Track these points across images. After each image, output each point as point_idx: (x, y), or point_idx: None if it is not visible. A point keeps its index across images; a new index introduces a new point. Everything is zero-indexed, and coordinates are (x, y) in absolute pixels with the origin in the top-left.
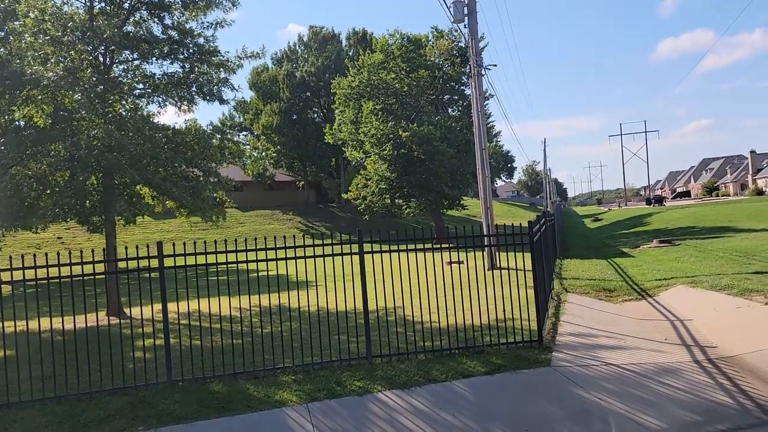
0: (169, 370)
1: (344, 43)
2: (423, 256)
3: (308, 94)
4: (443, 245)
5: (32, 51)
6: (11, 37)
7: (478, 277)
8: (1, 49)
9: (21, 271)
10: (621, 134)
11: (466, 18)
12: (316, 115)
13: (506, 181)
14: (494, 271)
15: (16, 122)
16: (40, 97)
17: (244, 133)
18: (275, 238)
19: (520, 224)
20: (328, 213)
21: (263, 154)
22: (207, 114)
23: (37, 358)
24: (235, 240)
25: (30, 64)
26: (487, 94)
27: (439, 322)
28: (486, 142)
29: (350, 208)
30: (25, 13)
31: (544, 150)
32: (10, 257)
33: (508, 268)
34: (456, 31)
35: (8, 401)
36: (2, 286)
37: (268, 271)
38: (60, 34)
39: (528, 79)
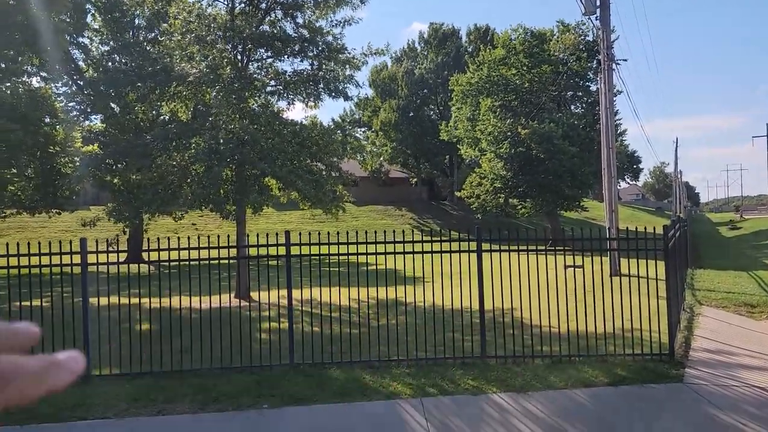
0: (291, 354)
1: (464, 39)
2: (544, 257)
3: (426, 91)
4: (563, 248)
5: (179, 50)
6: (161, 38)
7: (603, 282)
8: (153, 49)
9: (167, 252)
10: (767, 135)
11: (598, 10)
12: (432, 113)
13: (630, 183)
14: (619, 277)
15: (163, 116)
16: (184, 93)
17: (363, 129)
18: (393, 232)
19: (645, 228)
20: (440, 210)
21: (380, 150)
22: (327, 110)
23: (177, 333)
24: (356, 233)
25: (177, 62)
26: (616, 89)
27: (559, 327)
28: (613, 141)
29: (462, 207)
30: (174, 14)
31: (676, 150)
32: (154, 240)
33: (632, 275)
34: (584, 24)
35: (151, 370)
36: (148, 265)
37: (386, 264)
38: (204, 33)
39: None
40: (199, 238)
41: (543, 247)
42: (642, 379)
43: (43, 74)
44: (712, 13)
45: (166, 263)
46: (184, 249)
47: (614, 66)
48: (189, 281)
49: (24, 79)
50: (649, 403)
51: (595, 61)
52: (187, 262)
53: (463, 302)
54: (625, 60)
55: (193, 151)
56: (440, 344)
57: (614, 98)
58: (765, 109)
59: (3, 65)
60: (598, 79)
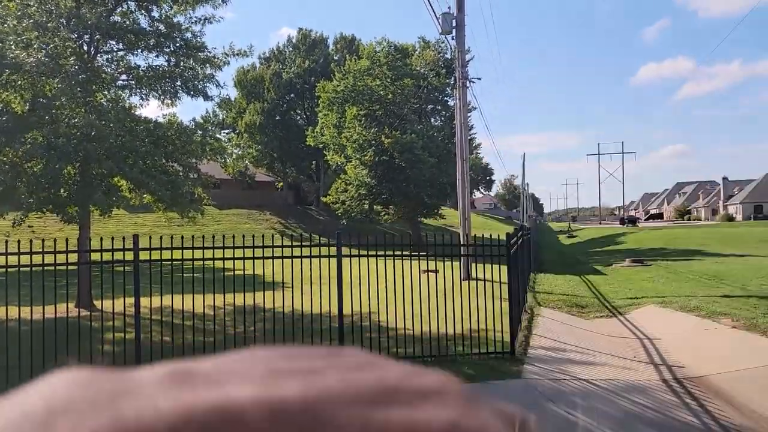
0: (137, 365)
1: (331, 47)
2: (401, 262)
3: (293, 95)
4: (420, 253)
5: (15, 35)
6: None
7: (454, 286)
8: None
9: None
10: (599, 153)
11: (454, 30)
12: (299, 117)
13: (484, 193)
14: (469, 281)
15: None
16: (20, 82)
17: (226, 131)
18: (253, 237)
19: (498, 236)
20: (305, 215)
21: (245, 152)
22: (189, 110)
23: (2, 348)
24: (213, 237)
25: (11, 49)
26: (470, 106)
27: (413, 330)
28: (467, 153)
29: (328, 212)
30: None
31: (523, 164)
32: None
33: (483, 279)
34: (443, 42)
35: None
36: None
37: (244, 270)
38: (45, 19)
39: (510, 94)
40: (31, 242)
41: (400, 252)
42: (486, 376)
43: None
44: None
45: None
46: (13, 254)
47: (469, 84)
48: (18, 289)
49: None
50: (490, 399)
51: (452, 78)
52: (16, 268)
53: (323, 307)
54: (479, 79)
55: (28, 146)
56: None
57: (469, 114)
58: (599, 130)
59: None
60: (455, 95)
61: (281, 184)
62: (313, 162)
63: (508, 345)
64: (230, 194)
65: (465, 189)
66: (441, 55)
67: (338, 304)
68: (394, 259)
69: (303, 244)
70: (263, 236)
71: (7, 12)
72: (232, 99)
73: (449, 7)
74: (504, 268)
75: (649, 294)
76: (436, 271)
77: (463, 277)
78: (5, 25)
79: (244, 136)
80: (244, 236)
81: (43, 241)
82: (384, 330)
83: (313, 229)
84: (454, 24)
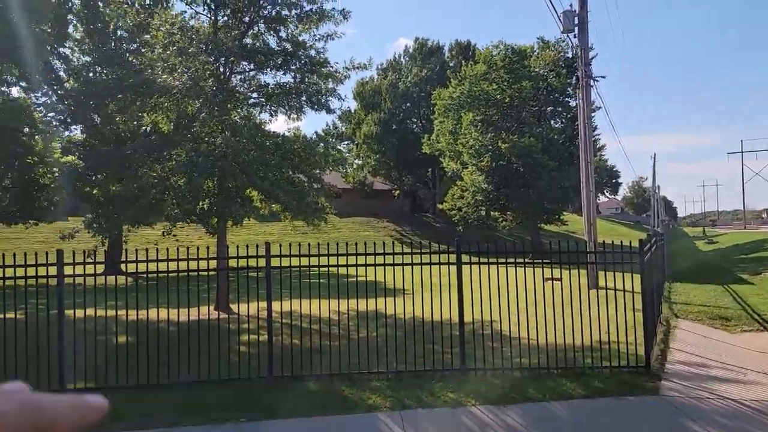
0: (270, 366)
1: (447, 54)
2: (523, 270)
3: (409, 104)
4: (543, 260)
5: (162, 62)
6: (143, 49)
7: (581, 295)
8: (135, 60)
9: (145, 264)
10: (742, 151)
11: (576, 28)
12: (415, 126)
13: (610, 197)
14: (597, 290)
15: (144, 128)
16: (166, 104)
17: (346, 141)
18: (374, 244)
19: (630, 243)
20: (421, 222)
21: (363, 162)
22: (311, 122)
23: (154, 346)
24: (337, 245)
25: (159, 74)
26: (594, 105)
27: (537, 340)
28: (591, 155)
29: (444, 219)
30: (157, 26)
31: (653, 166)
32: (132, 252)
33: (609, 288)
34: (563, 41)
35: (127, 383)
36: (126, 277)
37: (367, 276)
38: (187, 46)
39: (638, 90)
40: (178, 249)
41: (522, 260)
42: (618, 392)
43: (23, 84)
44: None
45: (145, 275)
46: (163, 261)
47: (592, 83)
48: (167, 293)
49: (3, 89)
50: (625, 416)
51: (574, 78)
52: (165, 274)
53: (444, 314)
54: (603, 77)
55: (173, 163)
56: (420, 356)
57: (592, 114)
58: (742, 126)
59: None
60: (577, 95)
61: (398, 192)
62: (429, 169)
63: (643, 359)
64: (349, 202)
65: (590, 193)
66: (561, 54)
67: (459, 311)
68: (515, 266)
69: (423, 251)
70: (384, 244)
71: (155, 41)
72: (352, 110)
73: (570, 5)
74: (635, 277)
75: None
76: (560, 279)
77: (589, 286)
78: (154, 53)
79: (362, 147)
80: (366, 244)
81: (187, 249)
82: (506, 339)
83: (429, 236)
84: (576, 21)
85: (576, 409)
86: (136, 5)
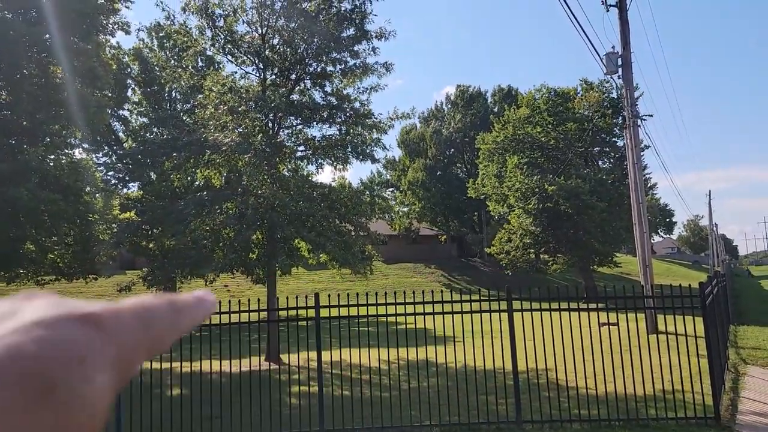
0: (321, 419)
1: (489, 100)
2: (577, 315)
3: (453, 150)
4: (597, 305)
5: (213, 120)
6: (197, 109)
7: (640, 340)
8: (189, 119)
9: None
10: None
11: (619, 69)
12: (459, 171)
13: (664, 236)
14: (657, 335)
15: (197, 183)
16: (218, 160)
17: (391, 189)
18: (423, 292)
19: (690, 285)
20: (469, 267)
21: (410, 209)
22: (356, 171)
23: (207, 398)
24: (386, 293)
25: (211, 132)
26: (643, 144)
27: (596, 389)
28: (643, 195)
29: (492, 263)
30: (209, 87)
31: (709, 203)
32: None
33: (670, 333)
34: (607, 82)
35: None
36: None
37: (416, 324)
38: (237, 104)
39: (688, 126)
40: (230, 301)
41: (576, 305)
42: None
43: (85, 146)
44: (736, 65)
45: (199, 327)
46: (216, 313)
47: (640, 122)
48: (219, 344)
49: (67, 151)
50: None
51: (620, 117)
52: (218, 326)
53: (496, 363)
54: (651, 116)
55: (224, 215)
56: (473, 408)
57: (642, 153)
58: None
59: (49, 140)
60: (625, 135)
61: (444, 237)
62: (475, 213)
63: (712, 409)
64: (396, 249)
65: (644, 234)
66: (606, 95)
67: (512, 359)
68: (569, 312)
69: (472, 298)
70: (432, 292)
71: (207, 101)
72: (396, 159)
73: (613, 47)
74: (694, 320)
75: None
76: (617, 324)
77: (648, 331)
78: (206, 113)
79: (407, 193)
80: (414, 291)
81: (239, 300)
82: (563, 389)
83: (478, 281)
84: (619, 63)
85: None
86: (190, 68)
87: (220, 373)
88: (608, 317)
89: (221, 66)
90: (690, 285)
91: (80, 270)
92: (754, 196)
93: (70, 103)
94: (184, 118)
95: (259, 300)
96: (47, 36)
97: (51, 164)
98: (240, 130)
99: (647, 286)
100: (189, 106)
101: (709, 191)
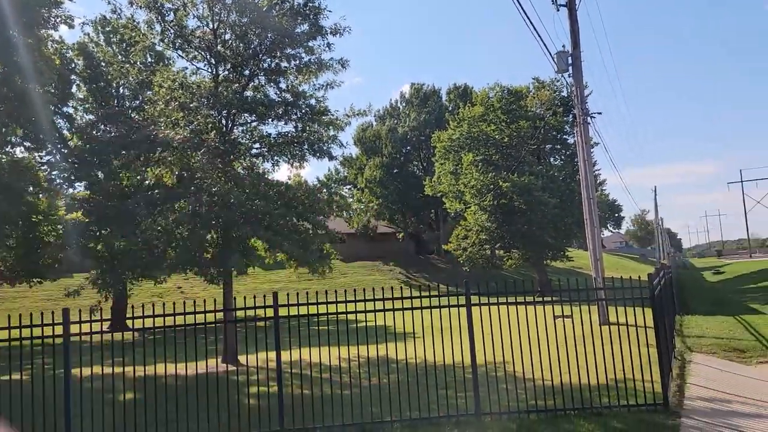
0: (281, 418)
1: (444, 98)
2: (533, 309)
3: (409, 148)
4: (552, 298)
5: (164, 117)
6: (146, 106)
7: (593, 332)
8: (138, 117)
9: (151, 319)
10: (741, 181)
11: (570, 68)
12: (416, 169)
13: (613, 231)
14: (609, 326)
15: (147, 182)
16: (170, 158)
17: (348, 186)
18: (382, 289)
19: (639, 277)
20: (427, 264)
21: (367, 206)
22: (312, 169)
23: (162, 402)
24: (345, 291)
25: (161, 129)
26: (593, 141)
27: (552, 380)
28: (593, 191)
29: (449, 260)
30: (159, 83)
31: (655, 198)
32: (138, 306)
33: (622, 324)
34: (558, 80)
35: None
36: (133, 333)
37: (375, 321)
38: (188, 101)
39: (635, 123)
40: (185, 302)
41: (531, 299)
42: (639, 431)
43: (27, 144)
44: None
45: (152, 329)
46: (170, 315)
47: (589, 119)
48: (174, 347)
49: (7, 149)
50: None
51: (571, 115)
52: (172, 328)
53: (455, 357)
54: (600, 113)
55: (177, 214)
56: (433, 402)
57: (591, 150)
58: (740, 155)
59: None
60: (575, 132)
61: (402, 234)
62: (432, 211)
63: (661, 396)
64: (354, 247)
65: (594, 229)
66: (557, 93)
67: (471, 353)
68: (525, 306)
69: (431, 294)
70: (392, 288)
71: (157, 98)
72: (354, 156)
73: (563, 45)
74: (644, 311)
75: None
76: (570, 317)
77: (600, 322)
78: (156, 109)
79: (365, 191)
80: (373, 289)
81: (194, 301)
82: (520, 381)
83: (436, 278)
84: (569, 62)
85: None
86: (138, 64)
87: (176, 376)
88: (562, 310)
89: (171, 61)
90: (639, 277)
91: (24, 273)
92: (697, 191)
93: (10, 100)
94: (132, 115)
95: (215, 300)
96: None
97: None
98: (192, 127)
99: (599, 279)
100: (138, 102)
101: (655, 187)
